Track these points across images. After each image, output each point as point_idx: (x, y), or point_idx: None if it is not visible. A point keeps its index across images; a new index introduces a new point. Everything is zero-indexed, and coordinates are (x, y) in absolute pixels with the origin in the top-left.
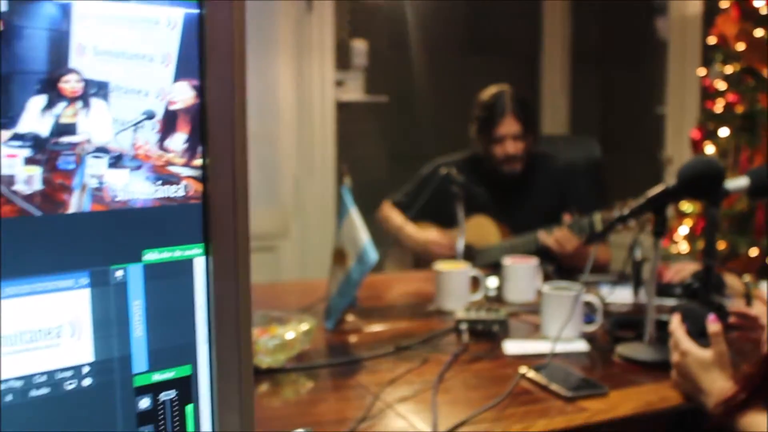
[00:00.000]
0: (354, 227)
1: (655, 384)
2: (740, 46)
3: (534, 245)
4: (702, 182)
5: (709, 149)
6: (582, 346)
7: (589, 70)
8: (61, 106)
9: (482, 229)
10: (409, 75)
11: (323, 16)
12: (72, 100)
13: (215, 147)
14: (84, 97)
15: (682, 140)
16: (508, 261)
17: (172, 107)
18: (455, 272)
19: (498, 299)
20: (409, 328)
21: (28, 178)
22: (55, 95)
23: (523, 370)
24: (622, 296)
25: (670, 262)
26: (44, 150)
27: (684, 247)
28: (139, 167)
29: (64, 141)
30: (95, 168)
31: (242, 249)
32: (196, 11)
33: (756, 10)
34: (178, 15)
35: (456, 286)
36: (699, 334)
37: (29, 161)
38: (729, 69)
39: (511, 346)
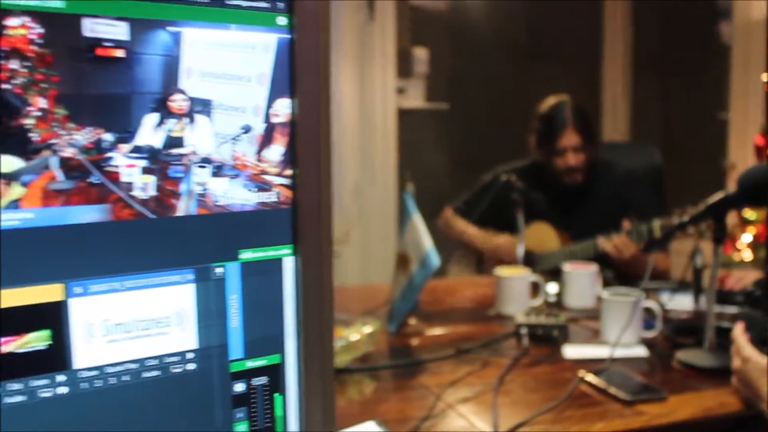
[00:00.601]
0: (417, 233)
1: (714, 390)
2: None
3: (593, 251)
4: (762, 189)
5: None
6: (641, 351)
7: (650, 76)
8: (171, 122)
9: (542, 236)
10: (470, 82)
11: (385, 24)
12: (180, 117)
13: (304, 158)
14: (190, 114)
15: (745, 146)
16: (568, 267)
17: (268, 122)
18: (516, 277)
19: (558, 305)
20: (470, 332)
21: (144, 185)
22: (165, 112)
23: (582, 373)
24: (682, 303)
25: (732, 270)
26: (157, 160)
27: (747, 254)
28: (237, 176)
29: (174, 152)
30: (200, 176)
31: (326, 250)
32: (287, 36)
33: None
34: (271, 40)
35: (516, 291)
36: (761, 342)
37: (145, 170)
38: None
39: (571, 351)
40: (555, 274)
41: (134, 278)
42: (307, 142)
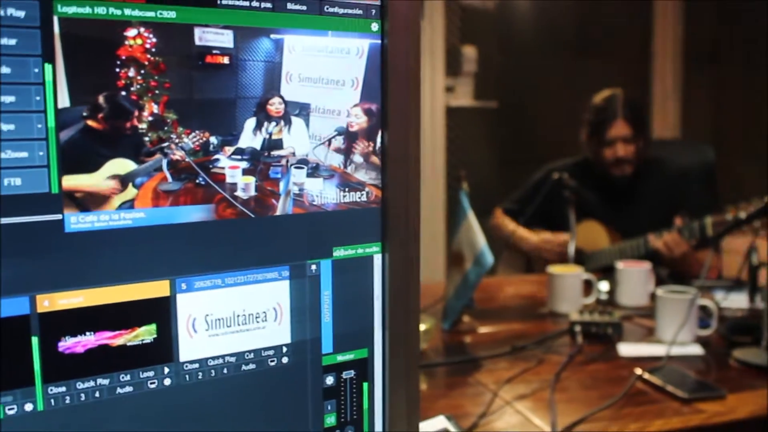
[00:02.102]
0: (471, 231)
1: None
2: None
3: (643, 249)
4: None
5: None
6: (697, 349)
7: (702, 72)
8: (270, 125)
9: (592, 234)
10: (519, 80)
11: (434, 22)
12: (278, 120)
13: (393, 159)
14: (286, 117)
15: None
16: (620, 265)
17: (360, 124)
18: (568, 275)
19: (610, 302)
20: (523, 330)
21: (246, 186)
22: (264, 116)
23: (639, 371)
24: (737, 301)
25: None
26: (258, 162)
27: None
28: (331, 176)
29: (274, 154)
30: (297, 177)
31: (413, 247)
32: (379, 41)
33: None
34: (364, 45)
35: (569, 289)
36: None
37: (246, 172)
38: None
39: (626, 349)
40: (606, 272)
41: (234, 275)
42: (397, 144)
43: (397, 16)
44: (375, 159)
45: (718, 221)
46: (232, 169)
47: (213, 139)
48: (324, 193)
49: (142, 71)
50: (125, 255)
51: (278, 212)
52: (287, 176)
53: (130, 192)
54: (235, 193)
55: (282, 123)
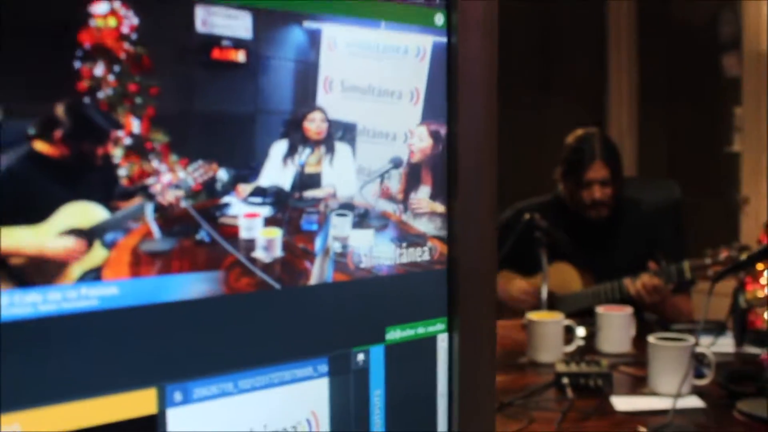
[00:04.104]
0: None
1: None
2: None
3: (618, 293)
4: None
5: None
6: (696, 401)
7: (657, 110)
8: (305, 152)
9: (564, 276)
10: None
11: None
12: (316, 144)
13: (464, 202)
14: (328, 141)
15: (759, 179)
16: (600, 309)
17: (419, 154)
18: (549, 322)
19: (588, 350)
20: (505, 382)
21: (268, 243)
22: (298, 138)
23: (644, 430)
24: (723, 346)
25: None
26: (286, 207)
27: None
28: (384, 226)
29: (308, 196)
30: (339, 228)
31: (488, 324)
32: (444, 39)
33: None
34: (426, 43)
35: (550, 337)
36: None
37: (270, 222)
38: None
39: (621, 402)
40: (579, 317)
41: (252, 376)
42: (468, 181)
43: (468, 7)
44: (440, 202)
45: (697, 265)
46: (249, 218)
47: (222, 174)
48: (375, 251)
49: (116, 68)
50: (88, 354)
51: (313, 280)
52: (326, 228)
53: (98, 255)
54: (254, 254)
55: (322, 149)
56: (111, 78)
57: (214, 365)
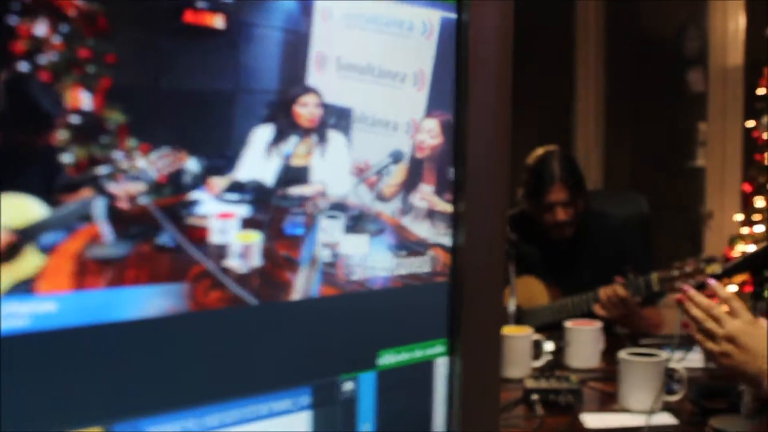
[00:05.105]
0: None
1: None
2: None
3: (585, 307)
4: None
5: (760, 203)
6: (668, 418)
7: (623, 124)
8: (292, 141)
9: (530, 290)
10: None
11: None
12: (306, 132)
13: (473, 204)
14: (321, 129)
15: (723, 195)
16: (569, 324)
17: (422, 147)
18: (518, 336)
19: (557, 365)
20: None
21: (245, 250)
22: (286, 124)
23: None
24: (691, 361)
25: None
26: (267, 206)
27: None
28: (381, 231)
29: (294, 193)
30: (329, 233)
31: (493, 346)
32: (454, 16)
33: None
34: (434, 19)
35: (519, 352)
36: None
37: (247, 224)
38: None
39: (591, 420)
40: (545, 331)
41: (221, 411)
42: (478, 180)
43: None
44: (445, 205)
45: (665, 276)
46: (222, 218)
47: (191, 164)
48: (370, 261)
49: (64, 29)
50: (16, 387)
51: (296, 295)
52: (313, 232)
53: (31, 262)
54: (227, 263)
55: (312, 138)
56: (56, 40)
57: (174, 399)
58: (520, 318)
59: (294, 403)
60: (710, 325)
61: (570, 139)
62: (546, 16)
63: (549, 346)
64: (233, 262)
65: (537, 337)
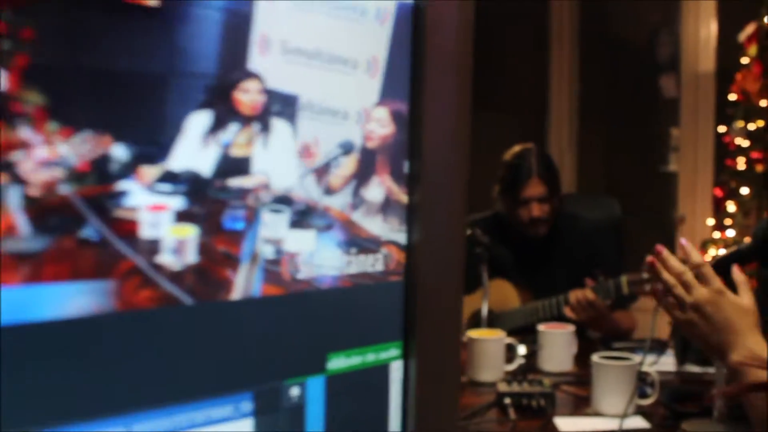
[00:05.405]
0: None
1: None
2: (763, 103)
3: (556, 310)
4: None
5: (731, 208)
6: (640, 422)
7: (597, 128)
8: (232, 129)
9: (502, 293)
10: None
11: None
12: (247, 120)
13: (429, 198)
14: (264, 117)
15: (695, 199)
16: (542, 327)
17: (376, 139)
18: (491, 340)
19: (529, 368)
20: None
21: (179, 245)
22: (225, 111)
23: None
24: (663, 365)
25: None
26: (204, 198)
27: None
28: (329, 227)
29: (234, 185)
30: (272, 228)
31: (453, 350)
32: (410, 0)
33: None
34: (389, 4)
35: (491, 356)
36: None
37: (182, 217)
38: (751, 126)
39: (564, 423)
40: (517, 335)
41: (153, 419)
42: (435, 173)
43: None
44: (401, 199)
45: (635, 279)
46: (154, 211)
47: (118, 151)
48: (317, 258)
49: None
50: None
51: (236, 294)
52: (255, 227)
53: None
54: (159, 259)
55: (255, 127)
56: None
57: (101, 406)
58: (493, 321)
59: (234, 410)
60: (679, 291)
61: (543, 143)
62: (520, 20)
63: (522, 349)
64: (166, 258)
65: (509, 340)
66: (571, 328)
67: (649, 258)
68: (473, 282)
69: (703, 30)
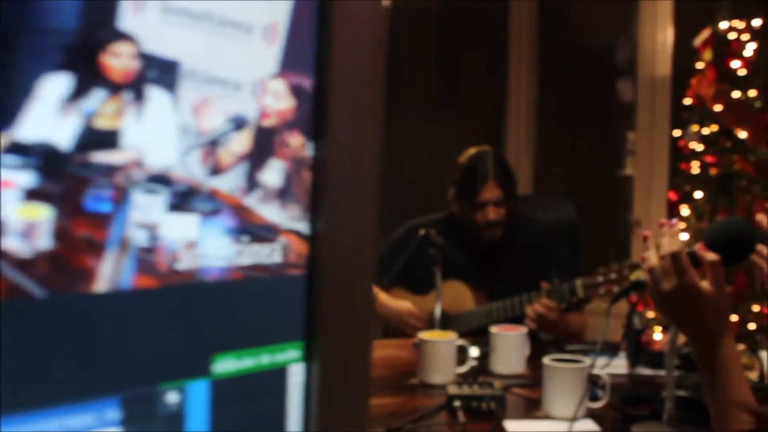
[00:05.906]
0: None
1: None
2: (717, 108)
3: (510, 312)
4: (733, 245)
5: (685, 211)
6: (590, 425)
7: (554, 130)
8: (97, 97)
9: (456, 295)
10: None
11: None
12: (117, 88)
13: (334, 187)
14: (137, 85)
15: (650, 202)
16: (494, 329)
17: (273, 115)
18: (442, 342)
19: (482, 370)
20: (394, 405)
21: (29, 228)
22: (89, 76)
23: None
24: (616, 367)
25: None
26: (61, 175)
27: None
28: (216, 212)
29: (98, 161)
30: (146, 211)
31: (362, 352)
32: None
33: (733, 71)
34: None
35: (442, 358)
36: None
37: (32, 196)
38: (705, 130)
39: (513, 426)
40: (471, 336)
41: None
42: (342, 153)
43: None
44: (303, 183)
45: (589, 283)
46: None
47: None
48: (201, 247)
49: None
50: None
51: (100, 286)
52: (124, 209)
53: None
54: (4, 244)
55: (126, 96)
56: None
57: None
58: (446, 323)
59: (97, 419)
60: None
61: (501, 144)
62: (479, 21)
63: (474, 351)
64: (12, 243)
65: (461, 342)
66: (523, 330)
67: (644, 233)
68: (427, 283)
69: (659, 35)
